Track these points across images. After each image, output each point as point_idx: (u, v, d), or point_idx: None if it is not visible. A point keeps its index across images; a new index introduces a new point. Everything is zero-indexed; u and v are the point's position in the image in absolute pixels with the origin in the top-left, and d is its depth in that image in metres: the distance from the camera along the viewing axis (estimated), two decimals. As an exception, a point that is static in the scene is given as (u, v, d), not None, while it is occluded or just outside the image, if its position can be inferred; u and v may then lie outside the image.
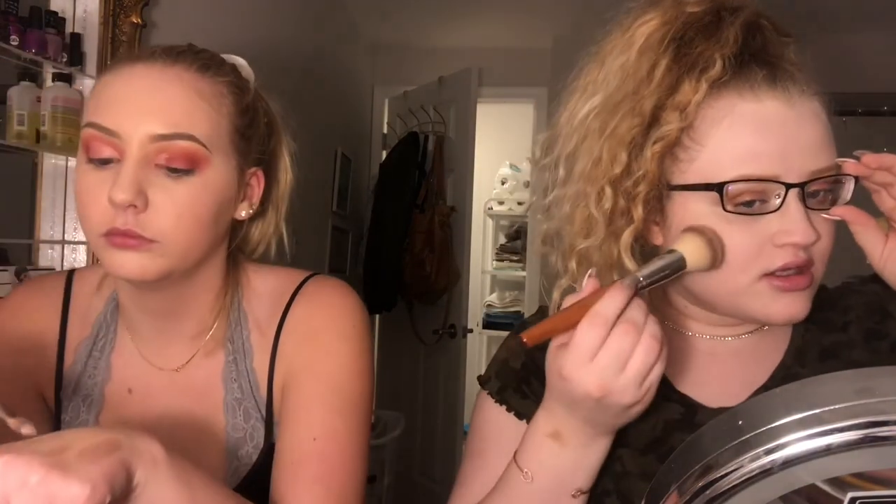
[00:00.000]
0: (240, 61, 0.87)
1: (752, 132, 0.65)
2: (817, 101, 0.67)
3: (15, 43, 1.44)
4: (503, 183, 4.80)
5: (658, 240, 0.72)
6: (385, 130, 3.95)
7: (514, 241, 4.86)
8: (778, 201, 0.64)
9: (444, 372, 3.38)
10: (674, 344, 0.76)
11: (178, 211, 0.74)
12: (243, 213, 0.84)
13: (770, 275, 0.66)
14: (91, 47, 1.62)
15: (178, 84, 0.76)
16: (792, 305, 0.66)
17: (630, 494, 0.70)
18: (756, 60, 0.68)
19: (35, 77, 1.54)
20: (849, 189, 0.67)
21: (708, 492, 0.44)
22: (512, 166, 4.80)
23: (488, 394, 0.80)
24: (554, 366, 0.61)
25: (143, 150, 0.73)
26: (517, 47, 3.76)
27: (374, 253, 3.47)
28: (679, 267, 0.63)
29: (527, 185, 4.41)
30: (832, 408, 0.42)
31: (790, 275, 0.66)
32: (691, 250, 0.63)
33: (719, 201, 0.64)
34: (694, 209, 0.67)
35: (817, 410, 0.42)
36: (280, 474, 0.79)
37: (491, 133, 4.28)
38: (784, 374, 0.74)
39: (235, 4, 2.36)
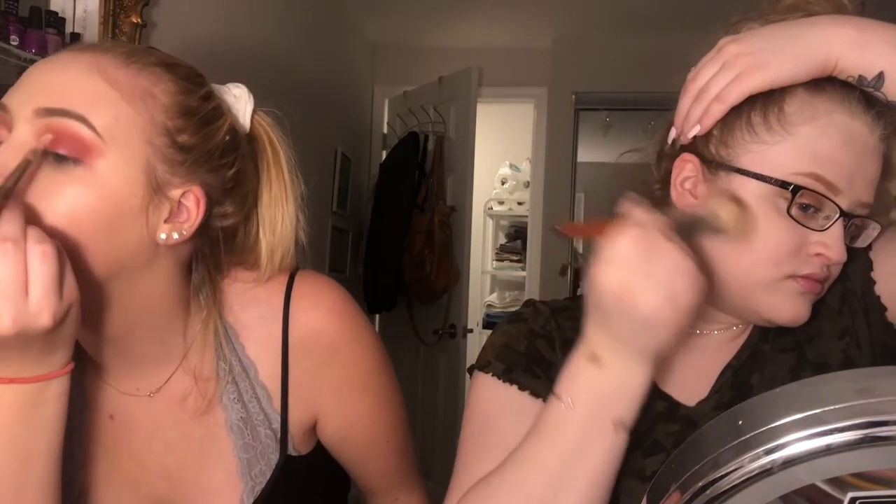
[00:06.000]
0: (237, 92, 0.79)
1: (840, 142, 0.68)
2: (885, 143, 0.70)
3: (15, 43, 1.44)
4: (503, 183, 4.80)
5: None
6: (385, 130, 3.95)
7: (514, 241, 4.86)
8: (827, 223, 0.67)
9: (444, 372, 3.38)
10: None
11: (53, 209, 0.63)
12: (163, 235, 0.70)
13: (794, 276, 0.69)
14: (91, 47, 1.62)
15: (84, 66, 0.67)
16: (801, 306, 0.70)
17: (617, 492, 0.70)
18: (854, 85, 0.69)
19: (35, 77, 1.53)
20: (871, 235, 0.72)
21: (708, 492, 0.44)
22: (512, 166, 4.80)
23: (493, 375, 0.78)
24: (591, 281, 0.62)
25: (29, 125, 0.65)
26: (517, 47, 3.77)
27: (374, 253, 3.47)
28: (718, 228, 0.65)
29: (527, 185, 4.40)
30: (832, 408, 0.42)
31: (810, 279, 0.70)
32: (735, 219, 0.65)
33: (786, 199, 0.67)
34: (754, 192, 0.69)
35: (817, 410, 0.42)
36: (375, 485, 0.95)
37: (491, 133, 4.28)
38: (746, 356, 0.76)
39: (235, 4, 2.36)
